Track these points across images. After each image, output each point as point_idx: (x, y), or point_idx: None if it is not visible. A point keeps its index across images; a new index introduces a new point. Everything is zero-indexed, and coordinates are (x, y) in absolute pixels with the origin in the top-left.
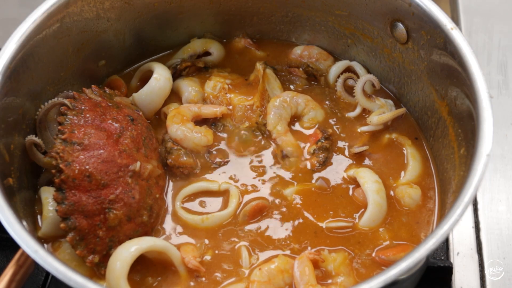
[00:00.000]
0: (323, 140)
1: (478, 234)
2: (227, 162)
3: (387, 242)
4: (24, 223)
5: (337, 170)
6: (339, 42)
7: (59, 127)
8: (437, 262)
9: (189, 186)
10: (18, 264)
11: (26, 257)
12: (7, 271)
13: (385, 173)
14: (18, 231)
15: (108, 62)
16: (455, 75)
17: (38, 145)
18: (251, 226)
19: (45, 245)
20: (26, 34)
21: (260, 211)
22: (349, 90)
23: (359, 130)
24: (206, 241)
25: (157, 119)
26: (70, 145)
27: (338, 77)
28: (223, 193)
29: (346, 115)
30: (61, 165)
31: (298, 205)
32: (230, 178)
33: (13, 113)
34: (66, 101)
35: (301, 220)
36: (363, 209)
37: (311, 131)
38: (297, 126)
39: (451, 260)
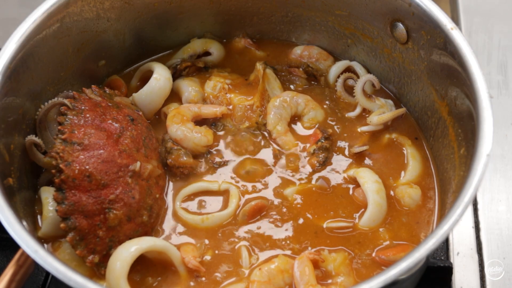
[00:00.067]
0: (323, 140)
1: (478, 234)
2: (227, 162)
3: (387, 242)
4: (24, 223)
5: (337, 170)
6: (339, 42)
7: (59, 127)
8: (437, 262)
9: (189, 186)
10: (18, 264)
11: (26, 257)
12: (7, 271)
13: (385, 173)
14: (18, 231)
15: (108, 62)
16: (455, 75)
17: (38, 145)
18: (251, 226)
19: (45, 245)
20: (26, 34)
21: (260, 211)
22: (349, 90)
23: (359, 130)
24: (206, 241)
25: (157, 119)
26: (70, 145)
27: (338, 77)
28: (223, 193)
29: (346, 115)
30: (61, 165)
31: (299, 205)
32: (230, 178)
33: (13, 113)
34: (66, 101)
35: (301, 220)
36: (363, 209)
37: (311, 131)
38: (297, 126)
39: (451, 260)
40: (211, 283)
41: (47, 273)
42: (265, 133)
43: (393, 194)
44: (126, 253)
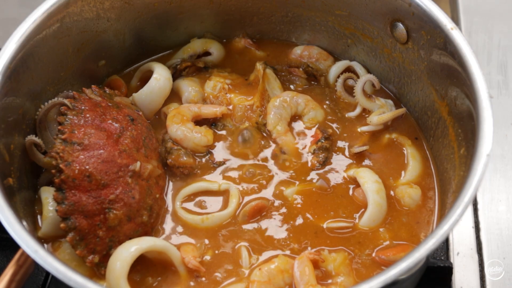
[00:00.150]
0: (323, 140)
1: (478, 234)
2: (227, 162)
3: (387, 242)
4: (24, 223)
5: (337, 170)
6: (339, 42)
7: (59, 127)
8: (437, 262)
9: (189, 186)
10: (18, 264)
11: (26, 257)
12: (7, 271)
13: (385, 173)
14: (18, 231)
15: (108, 62)
16: (455, 75)
17: (38, 145)
18: (251, 226)
19: (45, 245)
20: (26, 34)
21: (260, 211)
22: (349, 90)
23: (359, 130)
24: (206, 241)
25: (157, 119)
26: (70, 145)
27: (338, 77)
28: (223, 193)
29: (346, 115)
30: (61, 165)
31: (299, 205)
32: (230, 178)
33: (13, 113)
34: (66, 101)
35: (301, 220)
36: (363, 209)
37: (311, 131)
38: (297, 126)
39: (451, 260)
40: (211, 283)
41: (47, 273)
42: (265, 134)
43: (393, 194)
44: (126, 253)
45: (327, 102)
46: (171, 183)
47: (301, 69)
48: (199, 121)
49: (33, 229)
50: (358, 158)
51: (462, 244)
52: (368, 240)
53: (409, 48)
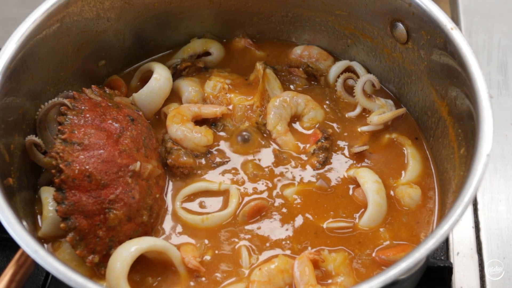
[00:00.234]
0: (323, 140)
1: (478, 234)
2: (227, 162)
3: (387, 242)
4: (24, 223)
5: (337, 170)
6: (339, 42)
7: (59, 127)
8: (437, 262)
9: (189, 186)
10: (18, 264)
11: (26, 257)
12: (7, 271)
13: (385, 173)
14: (18, 231)
15: (108, 62)
16: (455, 75)
17: (38, 145)
18: (251, 226)
19: (45, 245)
20: (26, 34)
21: (259, 211)
22: (349, 90)
23: (359, 130)
24: (206, 241)
25: (157, 119)
26: (70, 145)
27: (338, 77)
28: (223, 193)
29: (346, 115)
30: (61, 165)
31: (299, 205)
32: (230, 178)
33: (13, 113)
34: (66, 101)
35: (301, 220)
36: (363, 209)
37: (311, 131)
38: (297, 126)
39: (451, 260)
40: (211, 283)
41: (47, 273)
42: (265, 134)
43: (393, 194)
44: (126, 253)
45: (327, 102)
46: (171, 183)
47: (301, 69)
48: (199, 121)
49: (33, 229)
50: (358, 158)
51: (462, 244)
52: (368, 240)
53: (409, 48)
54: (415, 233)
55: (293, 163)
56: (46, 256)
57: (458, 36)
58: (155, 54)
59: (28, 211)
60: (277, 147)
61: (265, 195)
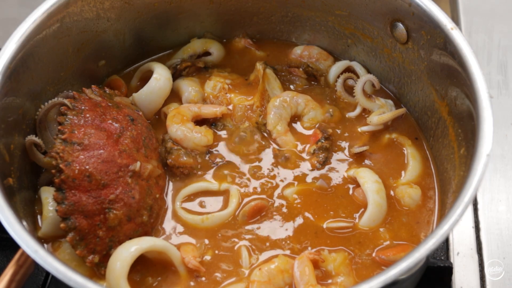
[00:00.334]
0: (323, 140)
1: (478, 234)
2: (227, 162)
3: (387, 242)
4: (24, 223)
5: (337, 170)
6: (339, 42)
7: (59, 127)
8: (437, 262)
9: (189, 186)
10: (18, 264)
11: (26, 257)
12: (7, 271)
13: (385, 173)
14: (18, 231)
15: (108, 62)
16: (455, 75)
17: (38, 145)
18: (251, 226)
19: (45, 245)
20: (26, 34)
21: (259, 211)
22: (349, 90)
23: (359, 130)
24: (206, 241)
25: (157, 119)
26: (70, 145)
27: (338, 77)
28: (223, 193)
29: (346, 115)
30: (61, 165)
31: (299, 205)
32: (230, 178)
33: (13, 113)
34: (66, 101)
35: (301, 220)
36: (363, 209)
37: (311, 131)
38: (297, 126)
39: (451, 260)
40: (211, 283)
41: (47, 273)
42: (265, 134)
43: (393, 194)
44: (126, 253)
45: (327, 102)
46: (171, 183)
47: (301, 69)
48: (199, 121)
49: (33, 229)
50: (358, 158)
51: (462, 244)
52: (368, 240)
53: (409, 48)
54: (415, 233)
55: (293, 163)
56: (46, 256)
57: (458, 36)
58: (155, 54)
59: (28, 211)
60: (277, 147)
61: (265, 195)
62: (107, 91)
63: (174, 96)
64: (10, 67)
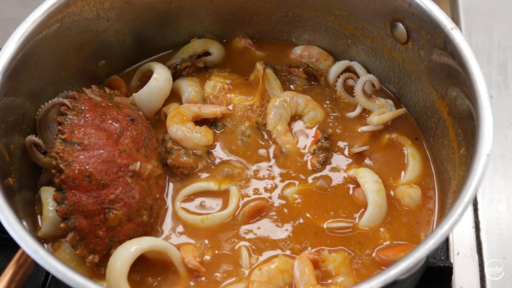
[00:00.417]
0: (323, 140)
1: (478, 234)
2: (227, 162)
3: (387, 242)
4: (24, 223)
5: (337, 170)
6: (339, 42)
7: (59, 127)
8: (437, 262)
9: (189, 186)
10: (18, 264)
11: (26, 257)
12: (7, 271)
13: (385, 173)
14: (18, 231)
15: (108, 62)
16: (455, 75)
17: (38, 145)
18: (251, 226)
19: (45, 245)
20: (26, 34)
21: (259, 212)
22: (349, 90)
23: (359, 130)
24: (206, 241)
25: (157, 119)
26: (70, 145)
27: (338, 77)
28: (223, 193)
29: (346, 115)
30: (61, 165)
31: (299, 205)
32: (230, 178)
33: (13, 113)
34: (66, 101)
35: (301, 220)
36: (363, 209)
37: (311, 131)
38: (297, 126)
39: (451, 260)
40: (211, 283)
41: (47, 273)
42: (265, 134)
43: (393, 194)
44: (126, 253)
45: (327, 102)
46: (171, 183)
47: (301, 69)
48: (199, 121)
49: (33, 229)
50: (358, 158)
51: (462, 244)
52: (368, 240)
53: (409, 48)
54: (415, 233)
55: (293, 163)
56: (46, 256)
57: (458, 36)
58: (155, 54)
59: (28, 211)
60: (277, 147)
61: (265, 195)
62: (107, 91)
63: (174, 96)
64: (10, 67)
